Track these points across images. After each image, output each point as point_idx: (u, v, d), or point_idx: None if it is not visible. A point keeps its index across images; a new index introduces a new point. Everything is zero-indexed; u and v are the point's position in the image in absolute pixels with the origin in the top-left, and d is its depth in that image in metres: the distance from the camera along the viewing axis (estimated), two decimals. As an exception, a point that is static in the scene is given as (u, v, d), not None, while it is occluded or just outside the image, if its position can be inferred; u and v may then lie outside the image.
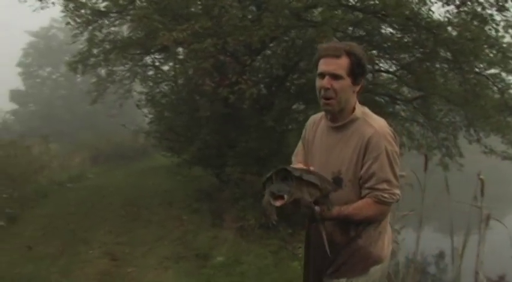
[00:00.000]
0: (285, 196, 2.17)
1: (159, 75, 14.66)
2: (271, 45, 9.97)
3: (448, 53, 8.85)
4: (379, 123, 2.51)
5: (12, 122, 31.20)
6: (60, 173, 14.80)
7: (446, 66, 9.44)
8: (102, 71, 14.62)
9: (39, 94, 32.79)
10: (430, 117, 11.07)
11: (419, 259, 7.20)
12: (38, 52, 33.22)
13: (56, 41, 32.66)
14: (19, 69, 33.60)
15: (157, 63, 14.81)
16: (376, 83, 11.06)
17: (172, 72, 12.75)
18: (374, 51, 9.97)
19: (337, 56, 2.41)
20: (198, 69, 7.99)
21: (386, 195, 2.41)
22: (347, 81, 2.44)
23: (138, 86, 16.86)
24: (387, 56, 10.16)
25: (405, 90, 11.52)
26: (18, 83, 33.47)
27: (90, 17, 11.40)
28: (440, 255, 8.73)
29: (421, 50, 9.01)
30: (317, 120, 2.73)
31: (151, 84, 14.99)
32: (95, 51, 12.66)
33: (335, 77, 2.42)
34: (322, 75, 2.45)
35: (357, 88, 2.50)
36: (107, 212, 9.55)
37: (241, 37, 7.20)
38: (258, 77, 9.89)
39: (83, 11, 10.89)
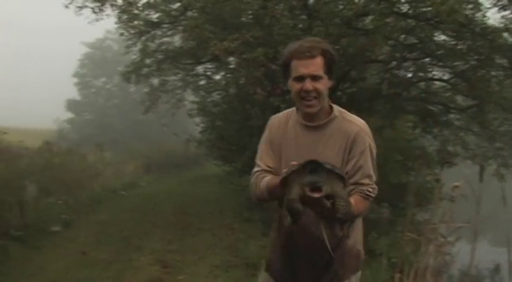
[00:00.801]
0: (323, 188, 2.03)
1: (211, 85, 14.84)
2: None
3: (504, 60, 8.62)
4: (359, 120, 2.50)
5: (68, 131, 32.07)
6: (114, 181, 15.11)
7: (502, 73, 9.18)
8: (155, 81, 14.89)
9: (93, 103, 33.61)
10: (485, 126, 10.77)
11: (473, 272, 7.01)
12: (93, 63, 34.12)
13: (110, 52, 33.46)
14: (75, 80, 34.57)
15: (208, 73, 15.02)
16: (429, 92, 10.88)
17: (224, 82, 12.86)
18: (427, 59, 9.82)
19: (314, 56, 2.31)
20: (250, 78, 8.02)
21: (370, 189, 2.40)
22: (325, 79, 2.37)
23: (189, 96, 17.12)
24: (440, 63, 9.96)
25: (459, 98, 11.27)
26: (74, 93, 34.44)
27: (143, 28, 11.68)
28: (496, 269, 8.44)
29: (476, 57, 8.80)
30: (282, 120, 2.57)
31: (203, 93, 15.21)
32: (148, 61, 12.95)
33: (315, 78, 2.33)
34: (302, 78, 2.34)
35: (330, 84, 2.43)
36: (159, 220, 9.67)
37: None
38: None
39: (136, 22, 11.12)
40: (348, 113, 2.53)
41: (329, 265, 2.47)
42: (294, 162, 2.21)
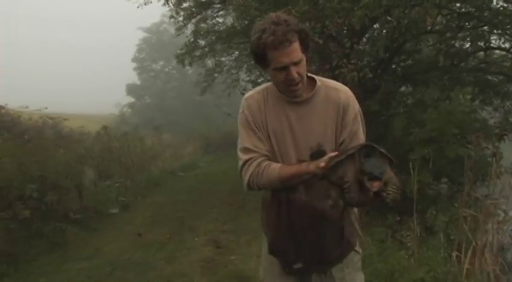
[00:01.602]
0: (382, 178, 1.99)
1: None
2: (375, 27, 9.62)
3: None
4: (341, 85, 2.46)
5: (129, 115, 32.75)
6: (172, 162, 15.33)
7: None
8: (210, 62, 14.92)
9: (153, 87, 34.12)
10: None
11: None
12: (151, 47, 34.60)
13: (167, 36, 33.75)
14: (134, 64, 35.17)
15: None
16: (488, 62, 10.38)
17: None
18: (485, 28, 9.33)
19: (291, 43, 2.20)
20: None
21: None
22: (304, 59, 2.28)
23: (245, 75, 17.09)
24: (499, 31, 9.44)
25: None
26: (134, 78, 35.07)
27: (193, 9, 11.65)
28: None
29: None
30: (260, 100, 2.41)
31: (257, 72, 15.10)
32: (201, 42, 12.94)
33: (297, 63, 2.24)
34: (285, 68, 2.23)
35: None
36: (215, 200, 9.74)
37: (339, 20, 6.99)
38: (362, 60, 9.58)
39: (185, 4, 11.08)
40: (327, 79, 2.48)
41: (340, 237, 2.43)
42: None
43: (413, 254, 5.68)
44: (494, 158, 5.95)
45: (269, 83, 2.47)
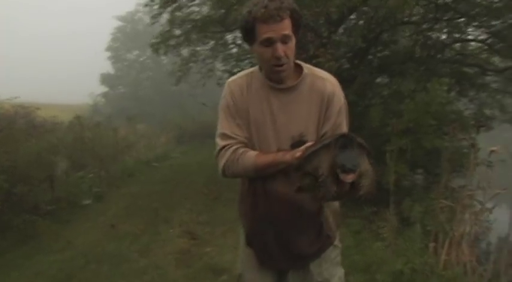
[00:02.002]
0: (357, 171, 1.89)
1: (241, 53, 14.60)
2: (352, 17, 9.57)
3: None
4: (329, 76, 2.36)
5: (103, 104, 32.39)
6: (147, 153, 15.16)
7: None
8: (185, 51, 14.75)
9: (127, 76, 33.82)
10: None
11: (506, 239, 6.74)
12: (125, 36, 34.25)
13: (141, 25, 33.43)
14: (108, 54, 34.78)
15: (238, 41, 14.76)
16: (464, 53, 10.44)
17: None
18: (461, 19, 9.36)
19: (283, 19, 2.12)
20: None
21: None
22: (293, 40, 2.19)
23: (220, 65, 16.94)
24: (476, 23, 9.48)
25: (496, 60, 10.80)
26: (108, 67, 34.68)
27: (169, -1, 11.48)
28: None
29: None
30: (243, 85, 2.34)
31: (233, 62, 14.97)
32: (177, 31, 12.77)
33: (285, 40, 2.15)
34: (271, 42, 2.15)
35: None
36: (190, 190, 9.62)
37: (317, 9, 6.91)
38: (339, 50, 9.53)
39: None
40: (316, 68, 2.39)
41: (319, 230, 2.39)
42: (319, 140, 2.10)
43: (390, 245, 5.68)
44: (471, 149, 5.95)
45: (254, 68, 2.39)
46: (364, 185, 1.96)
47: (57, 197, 8.08)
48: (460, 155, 6.69)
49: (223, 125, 2.33)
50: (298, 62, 2.34)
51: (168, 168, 13.04)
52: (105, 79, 33.84)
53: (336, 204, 2.49)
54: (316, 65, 7.03)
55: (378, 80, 10.15)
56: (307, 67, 2.33)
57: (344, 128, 2.31)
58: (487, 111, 10.51)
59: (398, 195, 6.27)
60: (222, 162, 2.29)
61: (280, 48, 2.15)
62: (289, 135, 2.27)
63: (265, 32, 2.13)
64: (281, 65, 2.20)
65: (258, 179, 2.30)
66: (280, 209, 2.29)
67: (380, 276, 4.76)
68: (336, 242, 2.51)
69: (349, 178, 1.87)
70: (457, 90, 9.47)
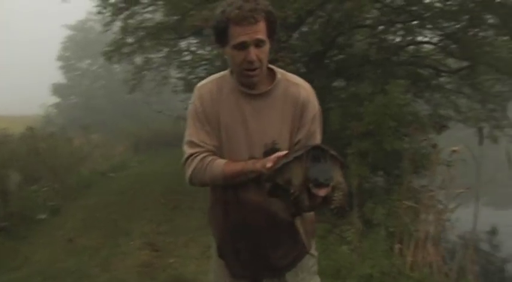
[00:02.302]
0: (330, 184, 1.80)
1: (196, 60, 14.46)
2: (307, 22, 9.58)
3: (496, 19, 8.32)
4: (303, 82, 2.27)
5: (55, 115, 31.64)
6: (103, 163, 14.82)
7: (493, 32, 8.88)
8: (139, 59, 14.54)
9: (79, 86, 33.18)
10: (477, 88, 10.53)
11: (470, 236, 6.82)
12: (77, 45, 33.58)
13: (93, 33, 32.83)
14: (60, 63, 34.05)
15: (192, 48, 14.63)
16: (418, 55, 10.59)
17: (209, 56, 12.52)
18: (415, 22, 9.49)
19: (257, 21, 2.03)
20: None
21: None
22: (267, 45, 2.11)
23: (175, 72, 16.76)
24: (429, 26, 9.62)
25: (449, 61, 11.00)
26: (59, 77, 33.96)
27: (122, 5, 11.26)
28: (493, 231, 8.27)
29: (467, 16, 8.49)
30: (213, 90, 2.22)
31: (188, 69, 14.82)
32: (130, 39, 12.55)
33: (259, 44, 2.06)
34: (244, 46, 2.05)
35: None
36: (149, 201, 9.41)
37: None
38: (296, 55, 9.52)
39: (113, -1, 10.71)
40: (289, 73, 2.30)
41: (295, 240, 2.29)
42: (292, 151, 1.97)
43: (356, 249, 5.64)
44: (433, 150, 6.00)
45: (225, 72, 2.27)
46: (337, 198, 1.89)
47: (11, 212, 7.74)
48: (421, 156, 6.74)
49: (191, 132, 2.23)
50: (271, 66, 2.25)
51: (125, 179, 12.75)
52: (57, 89, 33.10)
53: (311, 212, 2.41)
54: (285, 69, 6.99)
55: (335, 83, 10.19)
56: (280, 72, 2.24)
57: (318, 136, 2.24)
58: (442, 112, 10.66)
59: (361, 197, 6.25)
60: (189, 171, 2.20)
61: (253, 52, 2.05)
62: (261, 142, 2.17)
63: (238, 34, 2.03)
64: (253, 70, 2.10)
65: (230, 187, 2.20)
66: (254, 218, 2.20)
67: (350, 281, 4.71)
68: (312, 251, 2.42)
69: (322, 192, 1.80)
70: (413, 92, 9.58)
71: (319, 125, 2.27)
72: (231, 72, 2.23)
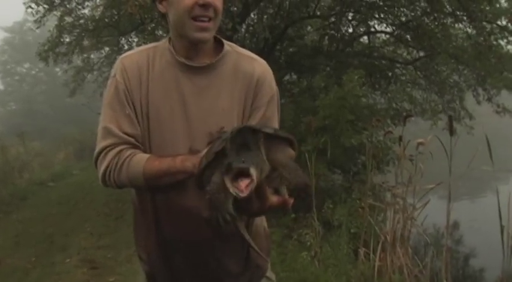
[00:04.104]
0: (253, 172, 1.24)
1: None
2: (252, 16, 9.08)
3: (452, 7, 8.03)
4: (258, 57, 1.81)
5: (-8, 123, 30.41)
6: (42, 172, 13.96)
7: (451, 20, 8.56)
8: (78, 60, 13.84)
9: (19, 92, 32.03)
10: (433, 79, 10.27)
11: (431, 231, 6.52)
12: (14, 48, 32.37)
13: (31, 35, 31.64)
14: (-5, 68, 32.81)
15: (135, 45, 13.98)
16: (372, 46, 10.26)
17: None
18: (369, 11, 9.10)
19: None
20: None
21: None
22: None
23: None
24: (382, 15, 9.25)
25: (404, 52, 10.75)
26: (-5, 83, 32.76)
27: (55, 0, 10.50)
28: (455, 225, 7.99)
29: (422, 3, 8.16)
30: (142, 63, 1.71)
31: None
32: (67, 38, 11.78)
33: None
34: None
35: None
36: (89, 211, 8.71)
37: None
38: (244, 47, 9.00)
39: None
40: (238, 46, 1.81)
41: (245, 258, 1.81)
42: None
43: (316, 255, 5.18)
44: (396, 143, 5.59)
45: (159, 42, 1.77)
46: (289, 178, 1.36)
47: None
48: (384, 150, 6.34)
49: (106, 117, 1.68)
50: (216, 35, 1.74)
51: (65, 188, 11.95)
52: (-6, 96, 31.85)
53: (264, 223, 1.91)
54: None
55: (287, 77, 9.72)
56: (228, 44, 1.75)
57: (275, 123, 1.77)
58: (397, 105, 10.38)
59: (318, 198, 5.80)
60: (101, 169, 1.66)
61: None
62: (205, 130, 1.67)
63: None
64: (205, 21, 1.62)
65: (159, 190, 1.67)
66: (191, 229, 1.68)
67: (315, 296, 4.19)
68: (268, 273, 1.93)
69: (243, 187, 1.22)
70: (369, 84, 9.23)
71: (278, 110, 1.81)
72: (170, 39, 1.73)
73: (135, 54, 1.74)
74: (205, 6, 1.59)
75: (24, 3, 10.65)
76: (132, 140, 1.66)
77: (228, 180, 1.25)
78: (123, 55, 1.75)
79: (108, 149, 1.65)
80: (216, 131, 1.66)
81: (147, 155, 1.64)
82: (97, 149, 1.68)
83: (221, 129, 1.65)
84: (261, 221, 1.88)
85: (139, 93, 1.67)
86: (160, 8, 1.68)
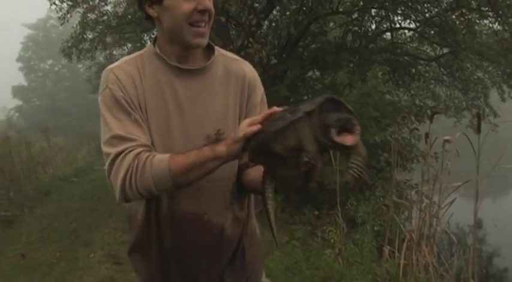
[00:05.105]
0: (356, 123, 1.32)
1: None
2: (275, 12, 9.04)
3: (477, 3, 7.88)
4: (240, 58, 1.82)
5: (17, 119, 30.65)
6: (65, 168, 14.06)
7: (477, 15, 8.42)
8: (101, 57, 13.94)
9: (42, 88, 32.25)
10: (458, 76, 10.12)
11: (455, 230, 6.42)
12: (37, 45, 32.62)
13: (55, 33, 31.93)
14: (19, 64, 33.01)
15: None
16: (396, 42, 10.14)
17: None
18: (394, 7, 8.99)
19: None
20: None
21: None
22: None
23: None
24: (406, 11, 9.13)
25: (427, 48, 10.61)
26: (20, 79, 32.95)
27: (78, -4, 10.58)
28: (478, 224, 7.87)
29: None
30: (133, 72, 1.64)
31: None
32: (90, 35, 11.85)
33: None
34: None
35: None
36: (112, 206, 8.69)
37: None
38: (266, 45, 8.94)
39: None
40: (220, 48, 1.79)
41: (241, 261, 1.80)
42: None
43: (341, 252, 5.13)
44: (421, 140, 5.51)
45: (141, 51, 1.71)
46: (355, 165, 1.38)
47: (-43, 225, 7.01)
48: (410, 147, 6.26)
49: (112, 126, 1.57)
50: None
51: (88, 183, 12.03)
52: (18, 92, 32.11)
53: (257, 229, 1.89)
54: (245, 57, 6.43)
55: (310, 74, 9.66)
56: (214, 47, 1.74)
57: None
58: (420, 102, 10.25)
59: (341, 195, 5.75)
60: (120, 176, 1.52)
61: None
62: (203, 133, 1.66)
63: None
64: (203, 26, 1.60)
65: (162, 200, 1.64)
66: (193, 238, 1.68)
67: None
68: (263, 279, 1.95)
69: (349, 140, 1.31)
70: (393, 81, 9.13)
71: (266, 108, 1.78)
72: (156, 44, 1.68)
73: (123, 64, 1.67)
74: (203, 11, 1.57)
75: (48, 0, 10.73)
76: (147, 142, 1.59)
77: (334, 133, 1.30)
78: (110, 67, 1.67)
79: (123, 154, 1.54)
80: (213, 133, 1.65)
81: (166, 154, 1.55)
82: (109, 159, 1.56)
83: (218, 131, 1.65)
84: (255, 223, 1.86)
85: (137, 101, 1.61)
86: (151, 12, 1.62)
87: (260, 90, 1.79)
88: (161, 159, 1.52)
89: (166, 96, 1.63)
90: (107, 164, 1.55)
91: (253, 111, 1.74)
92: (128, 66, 1.65)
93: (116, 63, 1.68)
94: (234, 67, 1.75)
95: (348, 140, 1.30)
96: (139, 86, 1.62)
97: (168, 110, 1.63)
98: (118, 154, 1.53)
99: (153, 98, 1.63)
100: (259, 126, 1.44)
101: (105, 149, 1.57)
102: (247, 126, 1.46)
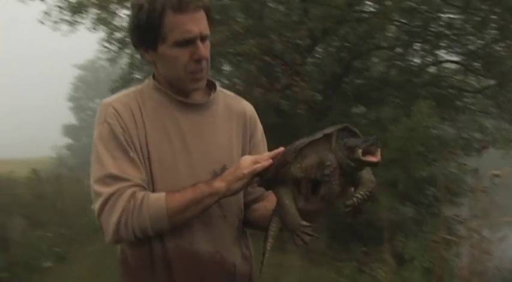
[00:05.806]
0: (379, 152, 1.37)
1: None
2: (319, 49, 9.17)
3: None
4: (237, 95, 1.85)
5: (67, 157, 31.44)
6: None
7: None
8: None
9: (91, 126, 32.91)
10: (503, 107, 9.97)
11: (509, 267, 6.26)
12: (87, 85, 33.66)
13: (103, 72, 32.94)
14: (70, 104, 34.10)
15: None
16: (440, 75, 10.10)
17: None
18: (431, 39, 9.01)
19: (199, 8, 1.56)
20: (243, 75, 7.20)
21: None
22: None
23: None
24: (448, 43, 9.14)
25: (472, 80, 10.49)
26: (70, 117, 33.95)
27: (127, 39, 10.96)
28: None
29: (492, 31, 8.01)
30: (133, 106, 1.60)
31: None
32: (137, 74, 12.21)
33: (205, 39, 1.58)
34: (190, 40, 1.54)
35: None
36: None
37: (287, 33, 6.39)
38: (311, 81, 9.07)
39: (118, 34, 10.40)
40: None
41: None
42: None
43: (390, 289, 5.10)
44: (468, 175, 5.48)
45: (140, 86, 1.71)
46: (360, 195, 1.42)
47: (13, 261, 7.21)
48: (457, 182, 6.20)
49: (106, 163, 1.53)
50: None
51: (137, 219, 12.20)
52: (68, 130, 33.06)
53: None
54: (291, 95, 6.56)
55: (354, 109, 9.70)
56: (214, 83, 1.77)
57: None
58: (467, 134, 10.11)
59: (389, 231, 5.73)
60: (114, 217, 1.49)
61: (201, 46, 1.56)
62: (209, 169, 1.63)
63: (183, 23, 1.53)
64: (201, 72, 1.60)
65: (166, 240, 1.58)
66: (208, 277, 1.62)
67: None
68: None
69: (376, 157, 1.35)
70: (438, 114, 9.07)
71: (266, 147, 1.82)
72: (156, 80, 1.68)
73: (122, 97, 1.63)
74: (199, 60, 1.57)
75: (98, 43, 11.16)
76: (141, 182, 1.55)
77: (360, 153, 1.34)
78: (108, 100, 1.63)
79: (116, 194, 1.50)
80: (219, 169, 1.63)
81: (161, 193, 1.53)
82: (101, 199, 1.51)
83: (223, 167, 1.62)
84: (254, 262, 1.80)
85: (137, 135, 1.58)
86: (147, 57, 1.62)
87: (260, 127, 1.81)
88: (157, 197, 1.51)
89: (169, 131, 1.62)
90: (98, 203, 1.52)
91: (257, 146, 1.76)
92: (126, 98, 1.62)
93: (114, 96, 1.66)
94: (235, 104, 1.77)
95: (374, 158, 1.34)
96: (139, 120, 1.60)
97: (172, 145, 1.61)
98: (111, 194, 1.50)
99: (154, 132, 1.61)
100: (270, 161, 1.49)
101: (97, 187, 1.53)
102: (252, 164, 1.51)
